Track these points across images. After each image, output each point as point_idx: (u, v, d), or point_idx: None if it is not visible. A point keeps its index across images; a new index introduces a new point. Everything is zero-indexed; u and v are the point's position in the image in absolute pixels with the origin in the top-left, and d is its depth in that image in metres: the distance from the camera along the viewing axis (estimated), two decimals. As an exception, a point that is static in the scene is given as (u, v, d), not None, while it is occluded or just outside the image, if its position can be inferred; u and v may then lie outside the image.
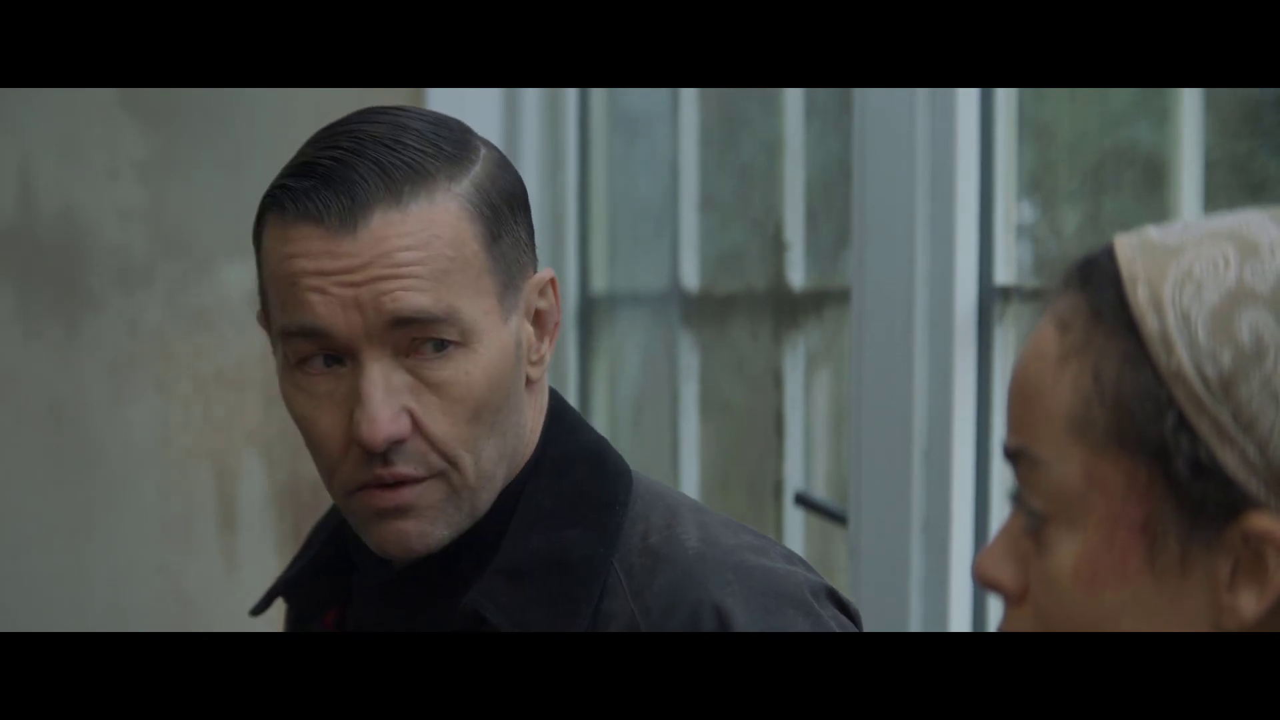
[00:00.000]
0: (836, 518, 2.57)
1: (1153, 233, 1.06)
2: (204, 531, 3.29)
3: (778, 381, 2.80)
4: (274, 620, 1.69)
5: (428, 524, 1.46)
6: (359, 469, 1.44)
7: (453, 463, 1.44)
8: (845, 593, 1.54)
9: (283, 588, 1.62)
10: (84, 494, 3.26)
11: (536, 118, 3.40)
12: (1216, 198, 2.02)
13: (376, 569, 1.53)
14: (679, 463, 3.08)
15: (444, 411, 1.43)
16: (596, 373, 3.44)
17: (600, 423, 3.38)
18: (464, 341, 1.43)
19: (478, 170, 1.46)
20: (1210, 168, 2.02)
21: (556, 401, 1.56)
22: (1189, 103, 2.02)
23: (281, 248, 1.43)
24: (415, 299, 1.41)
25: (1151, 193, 2.16)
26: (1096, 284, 1.05)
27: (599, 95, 3.40)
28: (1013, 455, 1.07)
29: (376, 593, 1.54)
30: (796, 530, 2.78)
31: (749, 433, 2.96)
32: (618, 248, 3.43)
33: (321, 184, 1.42)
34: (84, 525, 3.26)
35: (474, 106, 3.26)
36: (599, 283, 3.42)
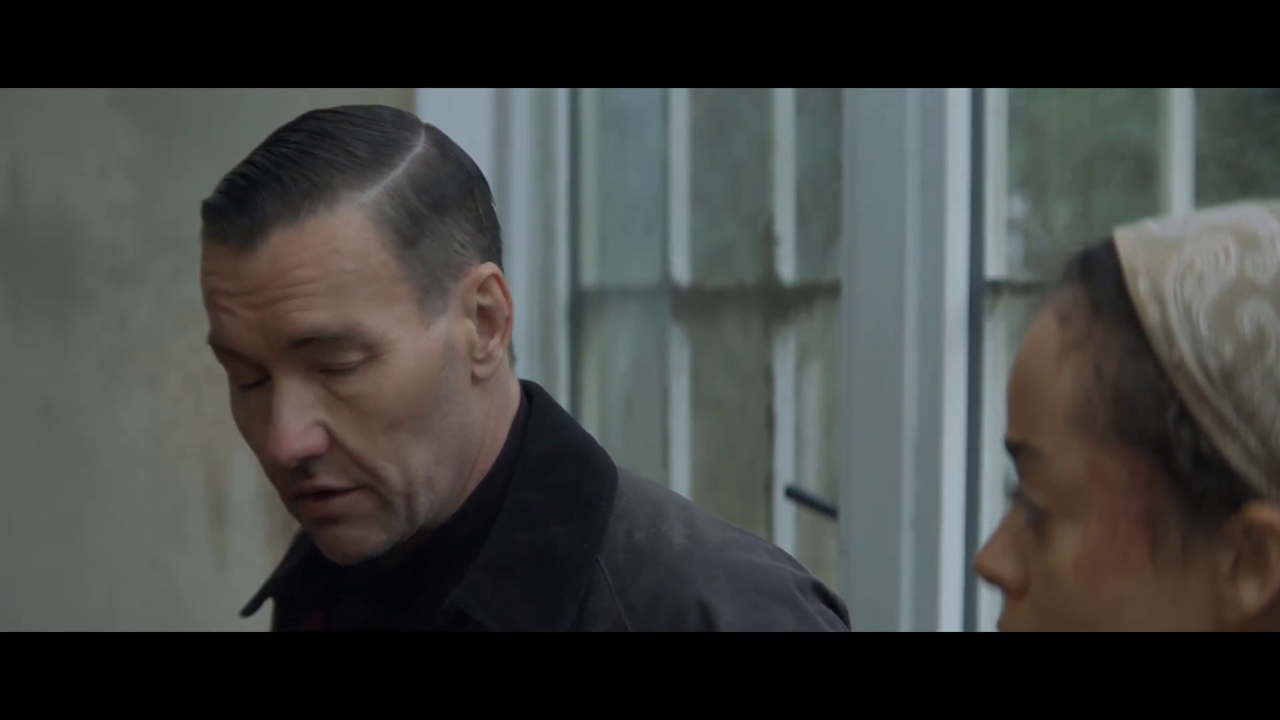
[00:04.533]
0: (827, 510, 2.57)
1: (1152, 226, 1.06)
2: (195, 528, 3.29)
3: (768, 376, 2.80)
4: (266, 619, 1.69)
5: (361, 530, 1.46)
6: (289, 481, 1.45)
7: (375, 474, 1.44)
8: (835, 588, 1.54)
9: (273, 588, 1.62)
10: (75, 491, 3.25)
11: (527, 114, 3.40)
12: (1207, 193, 2.02)
13: (363, 567, 1.53)
14: (669, 457, 3.08)
15: (358, 425, 1.43)
16: (587, 367, 3.44)
17: (591, 417, 3.38)
18: (373, 354, 1.42)
19: (397, 173, 1.44)
20: (1200, 163, 2.03)
21: (541, 399, 1.55)
22: (1179, 98, 2.03)
23: (205, 263, 1.45)
24: (311, 318, 1.40)
25: (1142, 188, 2.17)
26: (1097, 277, 1.05)
27: (589, 92, 3.41)
28: (1014, 449, 1.07)
29: (367, 591, 1.54)
30: (787, 526, 2.79)
31: (740, 427, 2.96)
32: (608, 243, 3.43)
33: (229, 202, 1.42)
34: (76, 522, 3.26)
35: (465, 106, 3.26)
36: (590, 277, 3.42)
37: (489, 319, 1.49)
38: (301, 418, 1.42)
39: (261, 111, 3.19)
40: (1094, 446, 1.03)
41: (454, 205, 1.47)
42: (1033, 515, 1.06)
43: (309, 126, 1.46)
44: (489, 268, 1.48)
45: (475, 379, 1.48)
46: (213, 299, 1.44)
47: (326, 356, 1.42)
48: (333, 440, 1.43)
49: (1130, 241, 1.05)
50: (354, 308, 1.41)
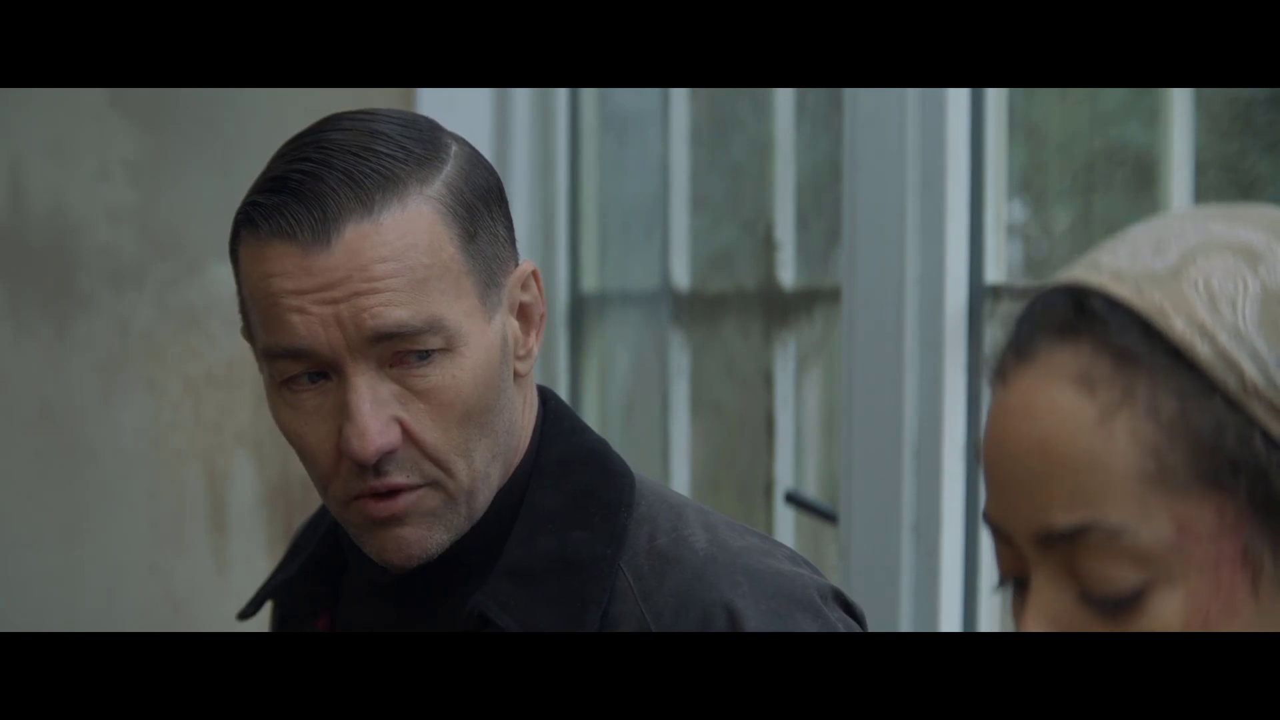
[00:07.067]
0: (827, 517, 2.57)
1: (1119, 263, 1.01)
2: (194, 532, 3.29)
3: (768, 381, 2.80)
4: (264, 622, 1.68)
5: (425, 529, 1.44)
6: (353, 481, 1.43)
7: (446, 469, 1.43)
8: (837, 593, 1.53)
9: (274, 590, 1.60)
10: (74, 495, 3.25)
11: (527, 117, 3.40)
12: (1207, 198, 2.02)
13: (374, 571, 1.52)
14: (669, 462, 3.08)
15: (434, 418, 1.42)
16: (587, 372, 3.43)
17: (591, 422, 3.37)
18: (449, 347, 1.41)
19: (449, 170, 1.44)
20: (1201, 167, 2.02)
21: (555, 403, 1.55)
22: (1179, 102, 2.02)
23: (258, 266, 1.41)
24: (395, 313, 1.39)
25: (1142, 192, 2.16)
26: (1107, 329, 0.99)
27: (589, 95, 3.40)
28: (1072, 534, 1.00)
29: (375, 595, 1.53)
30: (787, 530, 2.78)
31: (740, 432, 2.96)
32: (608, 247, 3.43)
33: (292, 199, 1.39)
34: (74, 526, 3.25)
35: (465, 107, 3.26)
36: (590, 282, 3.42)
37: (526, 316, 1.50)
38: (380, 413, 1.41)
39: (258, 113, 3.20)
40: (1178, 500, 0.98)
41: (495, 201, 1.47)
42: (1105, 594, 1.00)
43: (351, 125, 1.44)
44: (529, 264, 1.50)
45: (516, 376, 1.49)
46: (275, 300, 1.40)
47: (405, 351, 1.41)
48: (407, 435, 1.42)
49: (1125, 285, 1.00)
50: (433, 301, 1.40)
